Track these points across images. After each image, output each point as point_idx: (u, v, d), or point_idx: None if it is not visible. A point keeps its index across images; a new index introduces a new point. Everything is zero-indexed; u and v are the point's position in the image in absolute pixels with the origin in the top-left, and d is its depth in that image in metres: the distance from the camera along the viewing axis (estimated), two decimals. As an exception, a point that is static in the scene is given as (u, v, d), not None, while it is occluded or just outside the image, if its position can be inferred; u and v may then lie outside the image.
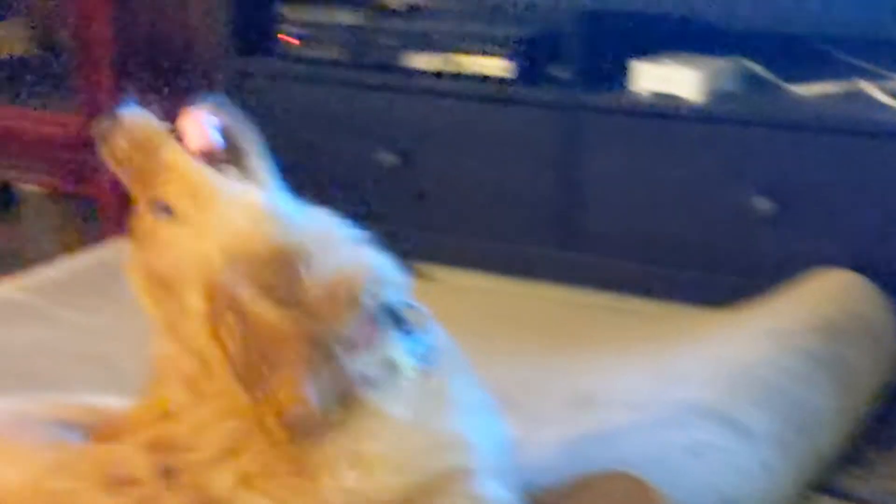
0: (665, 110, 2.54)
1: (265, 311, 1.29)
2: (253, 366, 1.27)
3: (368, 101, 2.85)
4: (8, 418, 1.58)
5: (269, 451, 1.32)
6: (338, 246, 1.39)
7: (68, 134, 3.24)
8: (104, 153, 1.45)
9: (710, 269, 2.51)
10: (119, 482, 1.40)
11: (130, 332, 2.41)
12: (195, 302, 1.34)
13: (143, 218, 1.41)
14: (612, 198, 2.60)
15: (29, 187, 3.74)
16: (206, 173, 1.41)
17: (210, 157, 1.43)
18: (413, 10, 3.02)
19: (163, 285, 1.38)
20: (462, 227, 2.76)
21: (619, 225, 2.61)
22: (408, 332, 1.37)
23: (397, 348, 1.35)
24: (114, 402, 1.63)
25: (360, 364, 1.31)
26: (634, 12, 2.60)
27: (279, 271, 1.32)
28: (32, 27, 3.56)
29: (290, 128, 2.95)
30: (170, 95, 3.34)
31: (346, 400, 1.31)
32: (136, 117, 1.45)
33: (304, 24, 2.94)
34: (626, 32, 2.67)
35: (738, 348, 2.10)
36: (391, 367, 1.34)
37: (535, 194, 2.67)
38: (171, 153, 1.42)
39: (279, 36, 2.95)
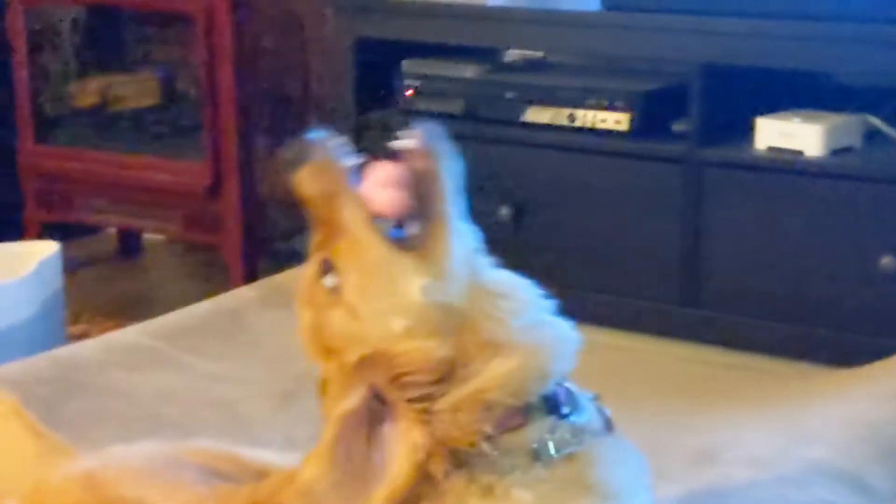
0: (787, 165, 2.52)
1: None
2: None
3: (486, 155, 2.87)
4: (162, 459, 1.61)
5: None
6: (512, 326, 1.32)
7: (193, 183, 3.31)
8: (289, 182, 1.34)
9: (835, 327, 2.47)
10: None
11: (252, 379, 2.48)
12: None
13: (311, 272, 1.35)
14: (735, 253, 2.59)
15: (154, 235, 3.82)
16: (378, 249, 1.30)
17: (393, 214, 1.32)
18: (533, 64, 3.05)
19: (322, 346, 1.35)
20: (581, 281, 2.75)
21: (742, 281, 2.59)
22: (561, 416, 1.32)
23: (542, 433, 1.30)
24: (263, 456, 1.65)
25: (498, 449, 1.28)
26: (757, 68, 2.59)
27: (424, 375, 1.29)
28: (159, 79, 3.65)
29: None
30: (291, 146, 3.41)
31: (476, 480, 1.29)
32: (323, 154, 1.34)
33: (425, 78, 2.97)
34: (748, 87, 2.66)
35: (863, 408, 2.07)
36: (530, 453, 1.29)
37: (656, 249, 2.66)
38: (348, 212, 1.31)
39: (399, 90, 2.98)
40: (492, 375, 1.28)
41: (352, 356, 1.30)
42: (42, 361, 2.30)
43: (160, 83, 3.67)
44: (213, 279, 3.40)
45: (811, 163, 2.51)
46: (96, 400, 2.28)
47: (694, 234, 2.62)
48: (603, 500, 1.31)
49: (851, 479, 1.82)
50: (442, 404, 1.27)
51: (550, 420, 1.30)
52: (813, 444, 1.93)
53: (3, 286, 2.62)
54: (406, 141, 1.35)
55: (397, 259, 1.30)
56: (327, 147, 1.34)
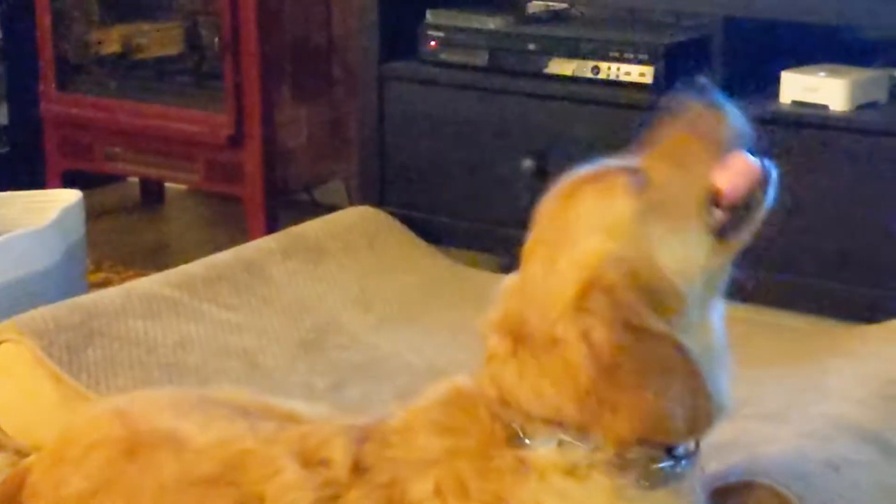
0: (812, 120, 2.50)
1: (653, 321, 1.31)
2: (624, 373, 1.28)
3: (508, 107, 2.86)
4: (192, 398, 1.61)
5: (471, 472, 1.34)
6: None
7: (215, 133, 3.31)
8: (676, 125, 1.43)
9: (857, 282, 2.46)
10: (314, 460, 1.42)
11: (272, 328, 2.49)
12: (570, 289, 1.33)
13: (615, 163, 1.41)
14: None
15: (175, 185, 3.83)
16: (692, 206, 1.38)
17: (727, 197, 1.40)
18: (556, 16, 3.03)
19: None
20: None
21: (762, 235, 2.57)
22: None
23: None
24: (291, 404, 1.66)
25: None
26: (782, 21, 2.57)
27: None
28: (182, 27, 3.64)
29: (429, 131, 2.97)
30: (312, 97, 3.40)
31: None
32: (721, 117, 1.44)
33: (448, 30, 2.96)
34: (772, 41, 2.64)
35: (886, 364, 2.07)
36: (646, 470, 1.35)
37: (677, 202, 2.65)
38: (698, 171, 1.40)
39: (423, 41, 2.98)
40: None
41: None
42: (63, 309, 2.32)
43: (183, 32, 3.66)
44: (234, 229, 3.41)
45: (836, 117, 2.49)
46: (116, 348, 2.29)
47: (716, 188, 2.61)
48: None
49: (873, 436, 1.82)
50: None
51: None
52: (833, 401, 1.93)
53: (25, 234, 2.63)
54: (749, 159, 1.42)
55: (701, 230, 1.37)
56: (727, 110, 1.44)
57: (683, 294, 1.34)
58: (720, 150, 1.41)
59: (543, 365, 1.33)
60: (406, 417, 1.43)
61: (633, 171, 1.38)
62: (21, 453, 2.11)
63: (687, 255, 1.35)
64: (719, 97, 1.45)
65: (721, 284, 1.41)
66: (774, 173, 1.44)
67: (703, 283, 1.37)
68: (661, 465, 1.34)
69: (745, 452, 1.74)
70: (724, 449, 1.70)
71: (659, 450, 1.34)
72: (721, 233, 1.39)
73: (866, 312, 2.41)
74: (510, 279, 1.42)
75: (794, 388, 2.04)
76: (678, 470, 1.36)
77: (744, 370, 2.20)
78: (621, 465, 1.32)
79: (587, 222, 1.36)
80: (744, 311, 2.55)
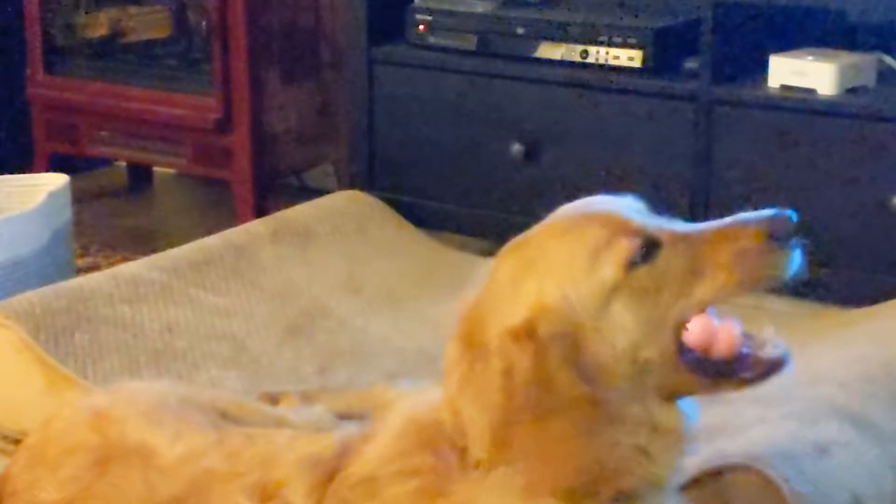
0: (800, 104, 2.50)
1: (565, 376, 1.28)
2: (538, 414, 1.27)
3: (497, 91, 2.86)
4: (175, 399, 1.62)
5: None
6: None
7: (203, 116, 3.30)
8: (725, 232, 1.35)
9: (844, 266, 2.47)
10: (272, 496, 1.42)
11: (259, 313, 2.48)
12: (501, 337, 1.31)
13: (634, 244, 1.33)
14: (745, 191, 2.58)
15: (163, 169, 3.82)
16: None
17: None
18: (545, 0, 3.02)
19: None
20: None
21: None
22: None
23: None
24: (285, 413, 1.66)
25: None
26: (771, 5, 2.57)
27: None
28: (169, 11, 3.63)
29: (418, 115, 2.97)
30: (301, 80, 3.39)
31: None
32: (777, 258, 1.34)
33: (436, 13, 2.95)
34: (761, 25, 2.63)
35: (872, 347, 2.07)
36: None
37: (666, 187, 2.65)
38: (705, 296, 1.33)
39: (411, 25, 2.97)
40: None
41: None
42: (50, 293, 2.31)
43: (171, 15, 3.65)
44: (222, 213, 3.40)
45: (824, 101, 2.49)
46: (103, 332, 2.29)
47: (705, 171, 2.61)
48: None
49: (859, 419, 1.82)
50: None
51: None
52: (820, 384, 1.93)
53: (12, 218, 2.62)
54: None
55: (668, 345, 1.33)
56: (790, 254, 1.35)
57: (621, 379, 1.31)
58: (747, 284, 1.34)
59: (476, 383, 1.31)
60: (368, 467, 1.39)
61: (646, 241, 1.32)
62: (8, 438, 2.11)
63: (644, 357, 1.31)
64: (787, 240, 1.35)
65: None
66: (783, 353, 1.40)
67: (656, 389, 1.33)
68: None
69: (734, 435, 1.74)
70: (713, 432, 1.70)
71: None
72: (693, 370, 1.34)
73: (853, 297, 2.42)
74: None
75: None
76: (647, 491, 1.33)
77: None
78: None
79: (571, 261, 1.31)
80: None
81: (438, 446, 1.35)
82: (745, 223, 1.34)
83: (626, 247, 1.31)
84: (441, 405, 1.36)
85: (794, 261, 1.34)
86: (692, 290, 1.32)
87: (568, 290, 1.30)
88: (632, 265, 1.30)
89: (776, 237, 1.33)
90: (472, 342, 1.33)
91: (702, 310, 1.33)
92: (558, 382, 1.28)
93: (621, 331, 1.30)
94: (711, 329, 1.33)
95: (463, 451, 1.33)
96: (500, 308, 1.32)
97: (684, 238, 1.34)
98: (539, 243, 1.35)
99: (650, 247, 1.32)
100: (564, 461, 1.28)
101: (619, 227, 1.33)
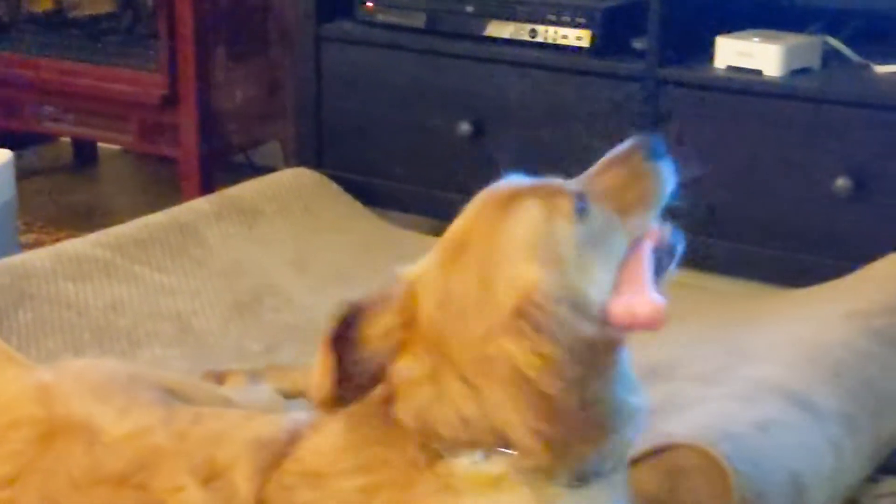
0: (745, 85, 2.52)
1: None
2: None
3: (446, 69, 2.86)
4: (123, 376, 1.61)
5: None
6: None
7: (149, 93, 3.28)
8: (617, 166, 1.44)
9: (788, 247, 2.49)
10: (217, 477, 1.41)
11: (205, 291, 2.47)
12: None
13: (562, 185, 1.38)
14: (690, 173, 2.59)
15: (108, 145, 3.79)
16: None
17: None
18: (494, -22, 3.02)
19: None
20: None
21: (696, 200, 2.58)
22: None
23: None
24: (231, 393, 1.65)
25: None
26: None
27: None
28: (116, -14, 3.60)
29: (366, 93, 2.96)
30: (248, 57, 3.37)
31: None
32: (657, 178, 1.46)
33: (385, -9, 2.94)
34: (708, 6, 2.65)
35: (812, 328, 2.09)
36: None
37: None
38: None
39: (360, 2, 2.96)
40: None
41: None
42: (-8, 270, 2.29)
43: (117, -9, 3.61)
44: (168, 191, 3.38)
45: (769, 83, 2.50)
46: (47, 310, 2.27)
47: (651, 152, 2.62)
48: None
49: (798, 398, 1.84)
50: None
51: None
52: (761, 364, 1.95)
53: (-46, 194, 2.60)
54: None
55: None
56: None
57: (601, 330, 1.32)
58: (648, 209, 1.42)
59: (475, 386, 1.29)
60: (316, 459, 1.38)
61: (579, 196, 1.34)
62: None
63: (609, 290, 1.34)
64: (664, 156, 1.46)
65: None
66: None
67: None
68: (589, 464, 1.32)
69: (676, 414, 1.76)
70: (655, 411, 1.71)
71: (588, 450, 1.32)
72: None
73: (796, 277, 2.44)
74: (412, 271, 1.35)
75: (724, 351, 2.06)
76: (608, 466, 1.34)
77: (675, 333, 2.22)
78: (549, 468, 1.30)
79: (527, 241, 1.31)
80: (679, 275, 2.57)
81: (395, 442, 1.33)
82: (624, 150, 1.45)
83: (565, 202, 1.33)
84: (398, 406, 1.33)
85: (673, 169, 1.48)
86: (625, 221, 1.38)
87: (542, 265, 1.30)
88: (578, 215, 1.33)
89: (656, 154, 1.46)
90: (442, 356, 1.31)
91: (637, 237, 1.39)
92: (571, 344, 1.28)
93: (595, 284, 1.32)
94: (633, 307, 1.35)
95: (424, 446, 1.31)
96: (477, 314, 1.30)
97: (591, 181, 1.40)
98: (481, 237, 1.34)
99: (580, 196, 1.35)
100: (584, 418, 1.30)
101: (546, 191, 1.35)
